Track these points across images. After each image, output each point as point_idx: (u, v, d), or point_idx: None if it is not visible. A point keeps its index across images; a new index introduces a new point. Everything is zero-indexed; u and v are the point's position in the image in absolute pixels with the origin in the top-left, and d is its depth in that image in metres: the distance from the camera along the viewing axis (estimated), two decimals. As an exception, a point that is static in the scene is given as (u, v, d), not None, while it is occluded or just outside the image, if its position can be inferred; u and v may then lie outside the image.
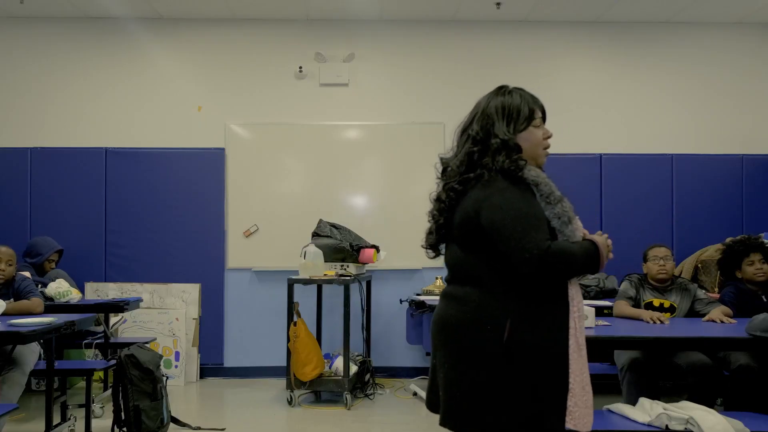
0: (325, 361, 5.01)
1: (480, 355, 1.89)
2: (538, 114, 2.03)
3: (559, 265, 1.85)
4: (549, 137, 2.03)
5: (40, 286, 4.53)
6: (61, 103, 6.04)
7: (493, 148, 1.95)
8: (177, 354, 5.69)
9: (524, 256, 1.83)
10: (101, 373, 5.15)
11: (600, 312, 4.13)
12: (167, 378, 4.23)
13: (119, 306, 4.76)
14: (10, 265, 4.14)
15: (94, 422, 4.22)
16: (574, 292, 1.94)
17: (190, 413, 4.74)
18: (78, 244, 5.81)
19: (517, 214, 1.86)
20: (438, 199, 2.06)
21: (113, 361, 4.21)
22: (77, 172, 5.91)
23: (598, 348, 4.45)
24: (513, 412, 1.86)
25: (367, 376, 5.29)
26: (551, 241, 1.86)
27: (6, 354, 3.85)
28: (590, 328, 3.20)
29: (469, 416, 1.89)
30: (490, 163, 1.93)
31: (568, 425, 1.87)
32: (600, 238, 1.96)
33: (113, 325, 5.28)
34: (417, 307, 5.04)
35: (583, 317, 1.95)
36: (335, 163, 6.01)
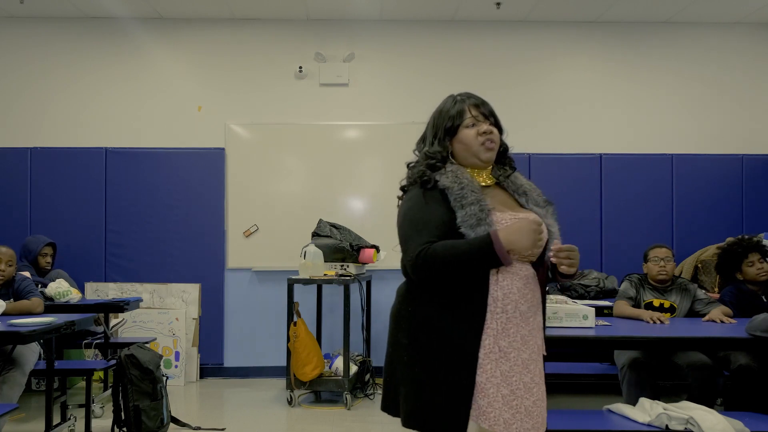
0: (325, 361, 5.01)
1: (398, 347, 2.00)
2: (469, 114, 2.08)
3: (437, 265, 1.89)
4: (485, 132, 2.06)
5: (40, 286, 4.53)
6: (61, 103, 6.04)
7: (415, 161, 2.13)
8: (177, 354, 5.69)
9: (406, 259, 1.95)
10: (101, 373, 5.15)
11: (600, 312, 4.13)
12: (167, 378, 4.23)
13: (119, 306, 4.75)
14: (10, 265, 4.14)
15: (94, 422, 4.23)
16: (505, 292, 1.93)
17: (190, 413, 4.74)
18: (78, 244, 5.81)
19: (409, 219, 1.98)
20: None
21: (113, 361, 4.21)
22: (77, 172, 5.91)
23: (598, 348, 4.46)
24: (417, 403, 1.92)
25: (367, 376, 5.29)
26: (433, 243, 1.90)
27: (6, 354, 3.86)
28: (590, 328, 3.20)
29: (393, 402, 2.02)
30: (409, 175, 2.11)
31: (483, 424, 1.88)
32: (517, 224, 1.92)
33: (113, 326, 5.27)
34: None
35: (516, 318, 1.94)
36: (335, 163, 6.01)
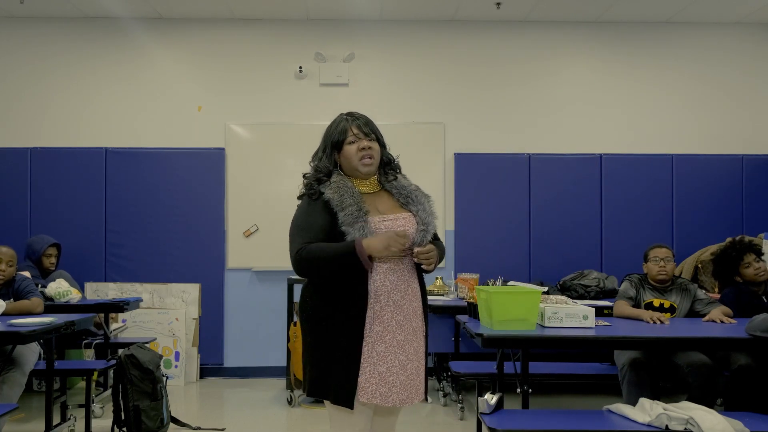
0: (325, 361, 5.00)
1: (304, 333, 2.39)
2: (352, 132, 2.38)
3: (309, 265, 2.29)
4: (363, 148, 2.35)
5: (40, 286, 4.53)
6: (61, 103, 6.04)
7: (308, 173, 2.46)
8: (177, 354, 5.69)
9: (290, 258, 2.35)
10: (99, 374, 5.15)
11: (600, 312, 4.13)
12: (167, 378, 4.23)
13: (119, 306, 4.75)
14: (11, 265, 4.14)
15: (94, 422, 4.23)
16: (378, 285, 2.29)
17: (190, 413, 4.74)
18: (78, 244, 5.81)
19: (295, 225, 2.40)
20: None
21: (113, 361, 4.21)
22: (77, 172, 5.91)
23: (598, 348, 4.46)
24: (315, 379, 2.34)
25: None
26: (308, 245, 2.28)
27: (6, 354, 3.85)
28: (590, 328, 3.20)
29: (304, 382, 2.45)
30: (302, 186, 2.46)
31: (362, 398, 2.26)
32: (382, 237, 2.25)
33: (113, 331, 5.27)
34: (417, 307, 5.04)
35: (390, 306, 2.29)
36: (335, 163, 6.00)
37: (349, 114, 2.44)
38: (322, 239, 2.29)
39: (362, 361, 2.26)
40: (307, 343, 2.36)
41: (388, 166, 2.47)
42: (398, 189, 2.42)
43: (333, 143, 2.40)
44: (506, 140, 6.07)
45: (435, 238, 2.45)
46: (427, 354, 2.46)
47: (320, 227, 2.31)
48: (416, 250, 2.30)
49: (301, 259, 2.29)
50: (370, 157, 2.36)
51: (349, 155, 2.37)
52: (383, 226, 2.30)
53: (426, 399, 2.43)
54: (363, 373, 2.26)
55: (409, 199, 2.40)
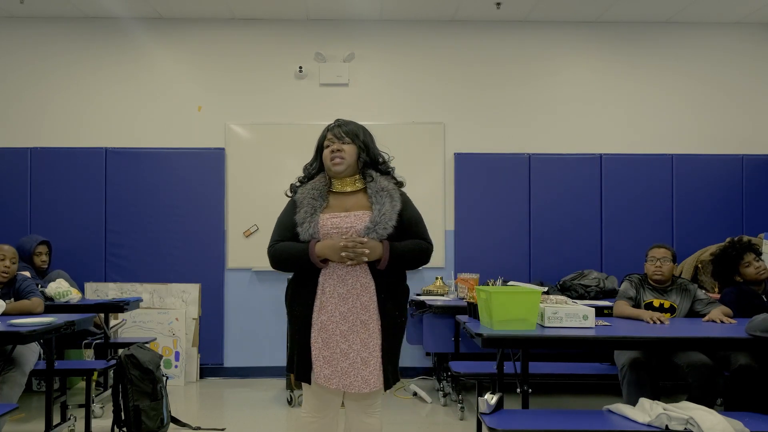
0: (325, 361, 5.00)
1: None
2: (328, 137, 2.62)
3: (277, 261, 2.58)
4: (333, 150, 2.58)
5: (40, 286, 4.53)
6: (61, 103, 6.05)
7: None
8: (177, 354, 5.69)
9: None
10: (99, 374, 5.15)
11: (600, 312, 4.13)
12: (167, 378, 4.23)
13: (119, 306, 4.75)
14: (14, 263, 4.16)
15: (94, 422, 4.23)
16: (326, 278, 2.53)
17: (190, 413, 4.74)
18: (78, 244, 5.81)
19: (276, 222, 2.67)
20: None
21: (113, 361, 4.21)
22: (77, 172, 5.91)
23: (598, 348, 4.46)
24: (288, 357, 2.70)
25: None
26: (279, 242, 2.58)
27: (6, 354, 3.85)
28: (590, 328, 3.20)
29: None
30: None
31: (314, 379, 2.53)
32: (330, 242, 2.49)
33: (113, 326, 5.27)
34: (417, 307, 5.04)
35: (334, 299, 2.51)
36: (335, 163, 6.00)
37: (337, 121, 2.67)
38: (290, 237, 2.56)
39: (311, 344, 2.52)
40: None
41: (372, 167, 2.65)
42: (372, 189, 2.59)
43: (317, 148, 2.68)
44: (506, 140, 6.07)
45: (400, 237, 2.55)
46: (391, 346, 2.56)
47: (288, 226, 2.58)
48: (343, 242, 2.46)
49: (271, 257, 2.60)
50: (340, 158, 2.57)
51: (325, 157, 2.62)
52: (330, 223, 2.53)
53: (383, 389, 2.55)
54: (311, 356, 2.53)
55: (374, 199, 2.56)
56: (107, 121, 6.04)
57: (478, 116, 6.08)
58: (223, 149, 6.01)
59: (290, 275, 2.69)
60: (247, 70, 6.10)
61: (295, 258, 2.53)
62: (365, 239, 2.47)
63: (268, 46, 6.12)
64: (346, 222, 2.53)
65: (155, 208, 5.93)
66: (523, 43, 6.16)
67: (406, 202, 2.62)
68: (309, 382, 2.56)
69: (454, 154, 6.01)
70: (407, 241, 2.57)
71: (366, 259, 2.48)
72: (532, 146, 6.03)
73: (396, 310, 2.57)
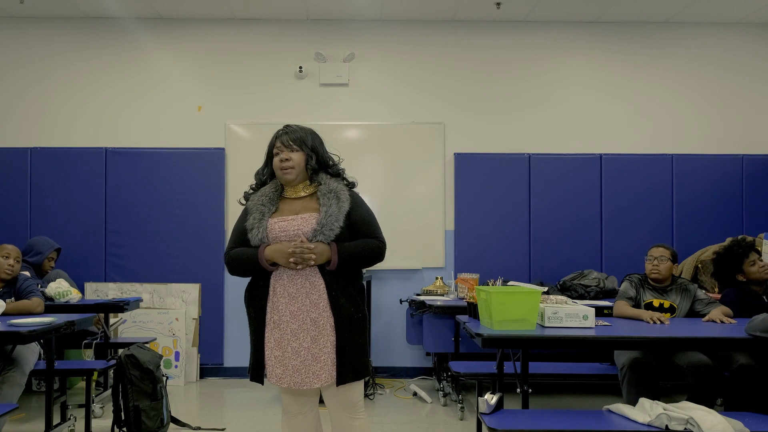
0: (325, 361, 5.00)
1: None
2: (277, 145, 2.64)
3: (232, 267, 2.62)
4: (282, 159, 2.60)
5: (39, 286, 4.53)
6: (61, 103, 6.05)
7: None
8: (177, 354, 5.69)
9: None
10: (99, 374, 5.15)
11: (600, 312, 4.13)
12: (167, 378, 4.23)
13: (119, 306, 4.75)
14: (18, 261, 4.16)
15: (94, 422, 4.23)
16: (276, 279, 2.56)
17: (190, 413, 4.74)
18: (78, 244, 5.81)
19: (233, 229, 2.70)
20: None
21: (113, 361, 4.21)
22: (77, 172, 5.91)
23: (598, 348, 4.46)
24: (250, 359, 2.75)
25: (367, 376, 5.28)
26: (233, 248, 2.62)
27: (6, 354, 3.85)
28: (590, 328, 3.20)
29: None
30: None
31: (268, 379, 2.62)
32: (279, 246, 2.52)
33: (113, 324, 5.27)
34: (417, 307, 5.04)
35: (285, 298, 2.54)
36: (335, 163, 6.00)
37: (285, 128, 2.68)
38: (243, 243, 2.59)
39: (264, 344, 2.62)
40: None
41: (323, 170, 2.68)
42: (321, 191, 2.60)
43: (267, 156, 2.71)
44: (506, 140, 6.07)
45: (352, 237, 2.57)
46: (346, 342, 2.54)
47: (240, 232, 2.62)
48: (291, 247, 2.47)
49: (226, 264, 2.65)
50: (290, 167, 2.59)
51: (274, 166, 2.65)
52: (278, 227, 2.55)
53: (336, 383, 2.54)
54: (264, 356, 2.62)
55: (321, 201, 2.57)
56: (107, 121, 6.04)
57: (478, 116, 6.08)
58: (223, 149, 6.01)
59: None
60: (246, 70, 6.10)
61: (248, 263, 2.56)
62: (312, 245, 2.47)
63: (268, 46, 6.12)
64: (293, 225, 2.54)
65: (155, 208, 5.93)
66: (523, 43, 6.16)
67: (355, 202, 2.63)
68: (262, 382, 2.62)
69: (454, 154, 6.01)
70: (357, 241, 2.58)
71: (313, 264, 2.49)
72: (532, 146, 6.03)
73: (351, 306, 2.56)
